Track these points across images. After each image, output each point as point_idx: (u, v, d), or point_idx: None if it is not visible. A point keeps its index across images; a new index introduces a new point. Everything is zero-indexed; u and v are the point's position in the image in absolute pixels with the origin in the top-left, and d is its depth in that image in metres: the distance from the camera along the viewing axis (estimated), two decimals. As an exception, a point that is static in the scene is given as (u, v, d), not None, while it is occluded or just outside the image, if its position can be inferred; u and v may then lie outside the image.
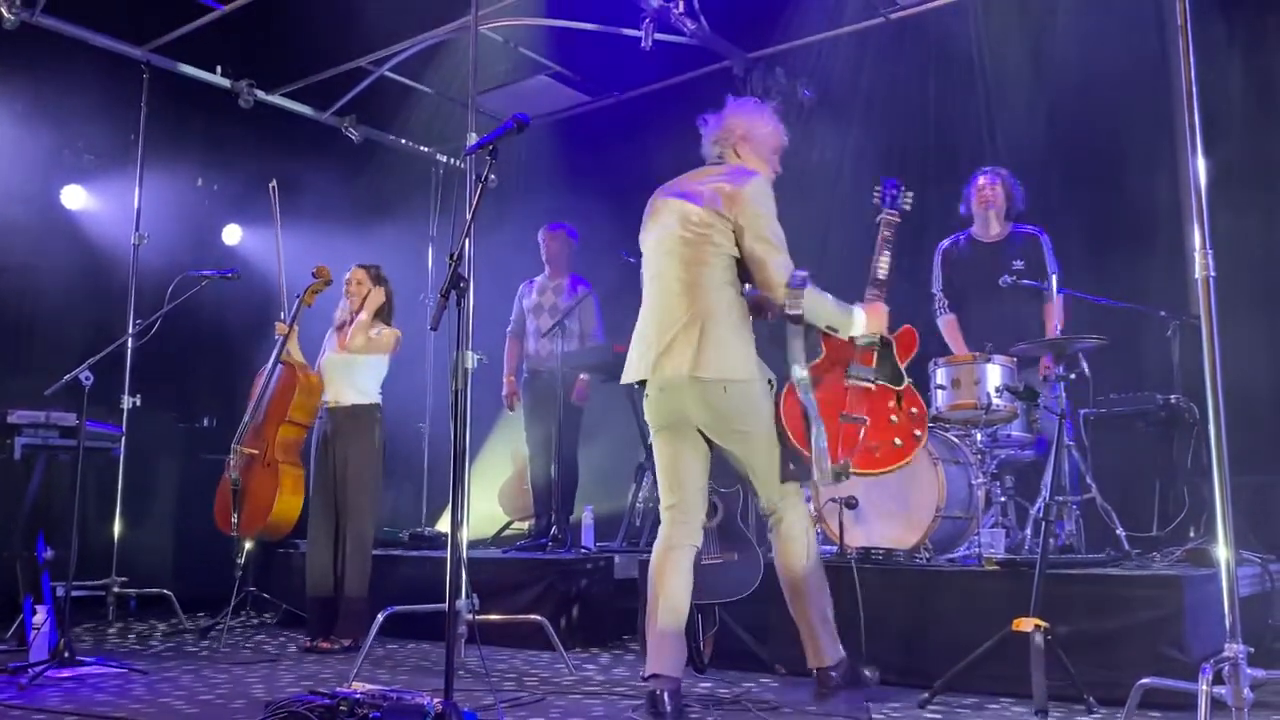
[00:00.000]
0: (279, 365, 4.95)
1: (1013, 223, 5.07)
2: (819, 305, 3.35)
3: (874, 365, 3.44)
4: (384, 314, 5.09)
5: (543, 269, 6.39)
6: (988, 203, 5.03)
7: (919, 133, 6.02)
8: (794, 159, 6.12)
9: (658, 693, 3.19)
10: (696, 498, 3.41)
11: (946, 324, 5.16)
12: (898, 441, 3.38)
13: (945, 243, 5.19)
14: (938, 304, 5.17)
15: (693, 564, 3.39)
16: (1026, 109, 5.88)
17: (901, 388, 3.45)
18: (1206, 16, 3.42)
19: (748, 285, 3.43)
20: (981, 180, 5.06)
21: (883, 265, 3.58)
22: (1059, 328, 4.59)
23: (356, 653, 4.29)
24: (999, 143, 5.85)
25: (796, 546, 3.37)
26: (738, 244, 3.33)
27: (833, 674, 3.37)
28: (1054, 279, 4.68)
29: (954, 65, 6.03)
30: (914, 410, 3.44)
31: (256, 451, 4.90)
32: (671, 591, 3.31)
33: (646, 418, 3.46)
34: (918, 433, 3.40)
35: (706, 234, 3.33)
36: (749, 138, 3.53)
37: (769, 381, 3.37)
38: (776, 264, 3.29)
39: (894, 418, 3.40)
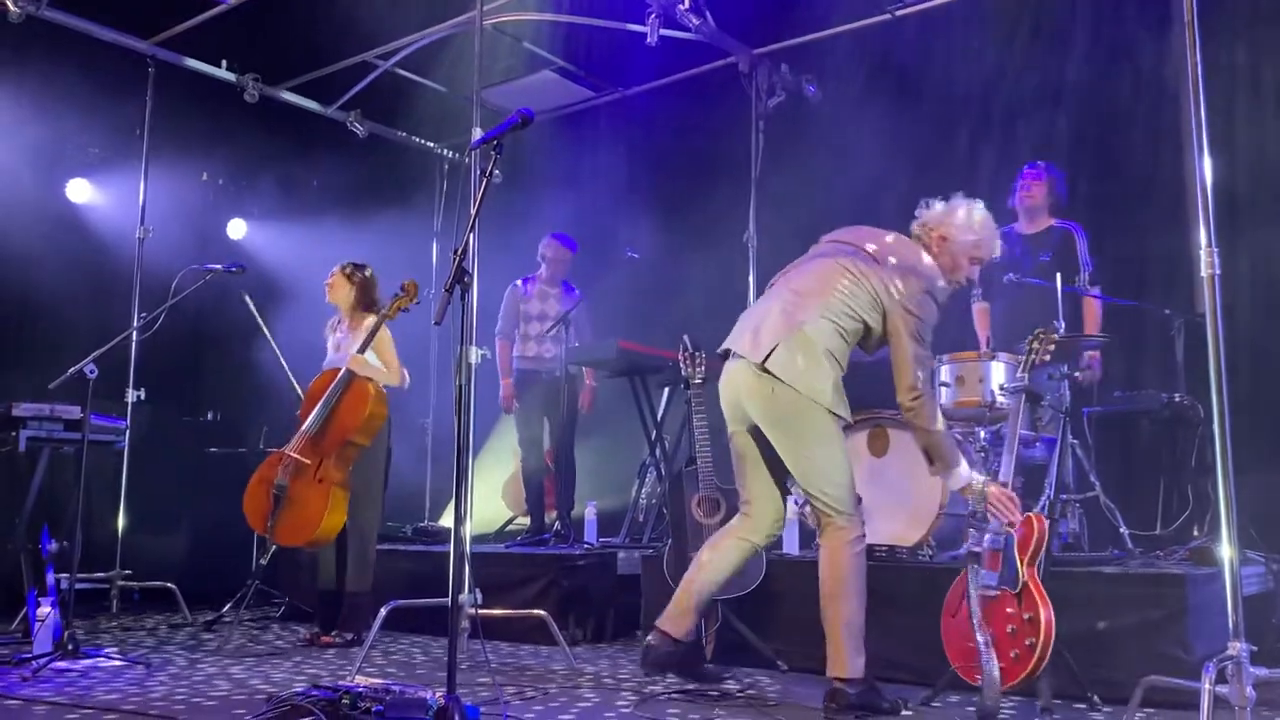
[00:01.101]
0: (349, 376, 4.78)
1: (1057, 218, 5.09)
2: (936, 428, 3.32)
3: (998, 569, 3.25)
4: (368, 304, 5.07)
5: (538, 267, 6.38)
6: (1026, 197, 5.06)
7: (922, 131, 6.01)
8: (797, 157, 6.18)
9: (651, 641, 3.50)
10: (757, 497, 3.53)
11: (978, 311, 5.23)
12: (1014, 654, 3.15)
13: None
14: (972, 290, 5.16)
15: (740, 557, 3.53)
16: (1032, 105, 5.87)
17: (1018, 589, 3.21)
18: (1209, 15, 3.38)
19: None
20: (1025, 174, 5.09)
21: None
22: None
23: (359, 647, 4.30)
24: (1003, 139, 5.84)
25: (834, 555, 3.31)
26: (884, 320, 3.34)
27: (849, 690, 3.22)
28: (1081, 276, 4.73)
29: (959, 62, 6.01)
30: (1028, 616, 3.16)
31: (310, 462, 4.70)
32: (702, 567, 3.52)
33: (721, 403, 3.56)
34: (1030, 641, 3.13)
35: (858, 280, 3.35)
36: (949, 239, 3.49)
37: (836, 415, 3.30)
38: (917, 357, 3.30)
39: (1011, 627, 3.18)
